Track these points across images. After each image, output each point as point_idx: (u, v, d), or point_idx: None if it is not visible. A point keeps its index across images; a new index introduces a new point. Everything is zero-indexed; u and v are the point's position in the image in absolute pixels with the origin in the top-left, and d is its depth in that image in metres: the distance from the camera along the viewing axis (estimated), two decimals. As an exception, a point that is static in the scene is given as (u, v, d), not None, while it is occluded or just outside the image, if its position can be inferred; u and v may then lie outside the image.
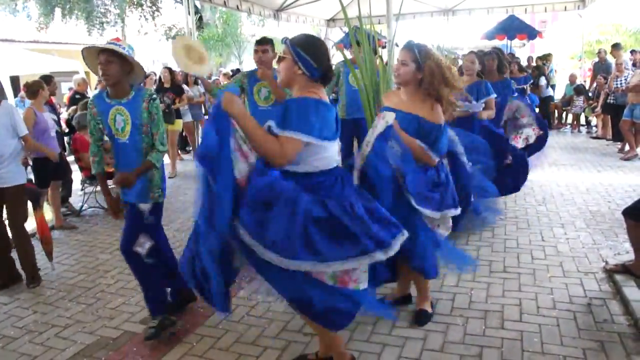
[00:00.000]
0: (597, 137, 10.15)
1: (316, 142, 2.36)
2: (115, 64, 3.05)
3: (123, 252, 3.29)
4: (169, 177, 7.88)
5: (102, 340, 3.30)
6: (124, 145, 3.17)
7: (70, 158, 8.00)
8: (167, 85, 8.39)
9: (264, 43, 4.35)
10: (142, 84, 3.45)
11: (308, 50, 2.44)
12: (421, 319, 3.31)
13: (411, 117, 2.98)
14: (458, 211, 3.12)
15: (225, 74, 11.91)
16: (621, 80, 8.91)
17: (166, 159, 8.05)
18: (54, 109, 6.26)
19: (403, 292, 3.56)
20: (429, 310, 3.37)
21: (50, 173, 5.47)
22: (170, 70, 8.64)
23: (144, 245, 3.25)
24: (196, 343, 3.21)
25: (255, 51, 4.35)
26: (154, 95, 3.19)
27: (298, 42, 2.46)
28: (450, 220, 3.16)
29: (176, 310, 3.55)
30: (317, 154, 2.41)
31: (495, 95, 4.97)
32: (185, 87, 9.56)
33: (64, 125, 7.50)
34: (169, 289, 3.58)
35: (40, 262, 4.73)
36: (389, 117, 2.79)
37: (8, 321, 3.63)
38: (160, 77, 8.84)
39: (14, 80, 13.32)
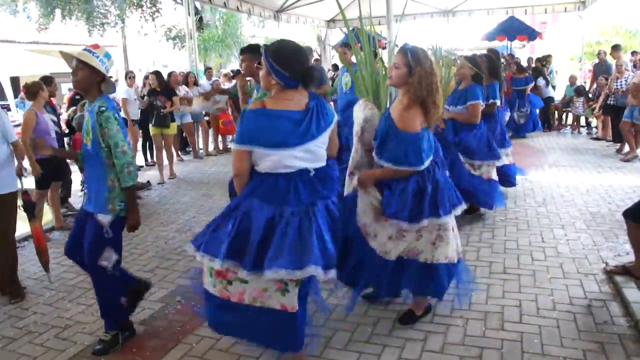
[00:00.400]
0: (597, 139, 10.15)
1: (257, 150, 2.46)
2: (83, 71, 3.01)
3: (87, 265, 3.15)
4: (168, 179, 7.89)
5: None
6: (87, 152, 3.09)
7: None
8: (157, 88, 8.15)
9: (242, 52, 4.37)
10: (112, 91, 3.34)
11: (280, 61, 2.48)
12: (405, 318, 3.33)
13: (387, 114, 3.04)
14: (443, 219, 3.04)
15: (225, 75, 11.92)
16: (621, 82, 8.91)
17: (165, 161, 8.08)
18: (54, 110, 6.25)
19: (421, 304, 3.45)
20: (418, 313, 3.35)
21: (50, 174, 5.46)
22: (157, 74, 8.39)
23: (109, 259, 3.07)
24: (196, 344, 3.20)
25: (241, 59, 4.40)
26: (102, 108, 2.98)
27: (271, 53, 2.50)
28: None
29: (134, 305, 3.40)
30: (261, 159, 2.50)
31: (479, 101, 4.93)
32: (185, 88, 9.57)
33: (64, 126, 7.49)
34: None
35: (38, 266, 4.74)
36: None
37: (8, 322, 3.63)
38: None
39: (14, 81, 13.35)
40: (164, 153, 8.19)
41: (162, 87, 8.20)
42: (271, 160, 2.47)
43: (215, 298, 2.62)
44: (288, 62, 2.48)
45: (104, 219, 3.04)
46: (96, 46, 3.14)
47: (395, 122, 2.94)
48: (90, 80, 3.04)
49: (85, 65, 3.01)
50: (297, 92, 2.54)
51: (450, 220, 3.07)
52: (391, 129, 2.95)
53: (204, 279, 2.67)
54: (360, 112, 3.16)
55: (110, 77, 3.19)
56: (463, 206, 3.21)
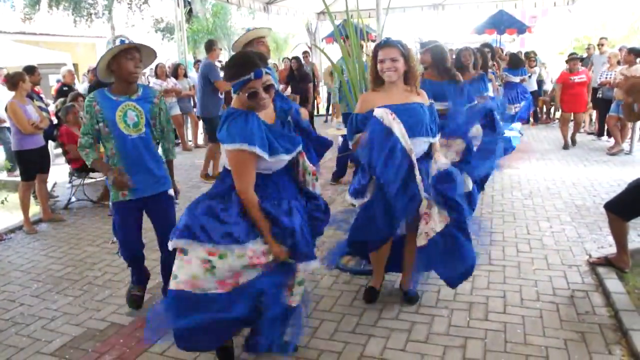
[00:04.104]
0: (590, 133, 10.19)
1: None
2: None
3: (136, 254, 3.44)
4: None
5: (89, 332, 3.30)
6: (134, 141, 3.13)
7: (58, 151, 7.98)
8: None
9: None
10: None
11: (234, 75, 2.44)
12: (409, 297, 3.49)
13: (417, 105, 3.11)
14: None
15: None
16: (609, 74, 8.87)
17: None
18: (41, 99, 6.20)
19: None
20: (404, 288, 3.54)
21: (35, 166, 5.43)
22: None
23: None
24: (183, 335, 3.21)
25: None
26: (159, 93, 3.35)
27: (227, 77, 2.51)
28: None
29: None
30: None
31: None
32: (173, 79, 9.52)
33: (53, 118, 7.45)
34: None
35: (27, 254, 4.73)
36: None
37: (-6, 313, 3.62)
38: None
39: (-1, 72, 13.15)
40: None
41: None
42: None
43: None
44: (234, 72, 2.44)
45: (171, 192, 3.38)
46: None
47: (424, 102, 3.17)
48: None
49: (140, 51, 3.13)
50: None
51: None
52: (427, 109, 3.16)
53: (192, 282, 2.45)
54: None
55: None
56: None
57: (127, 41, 3.06)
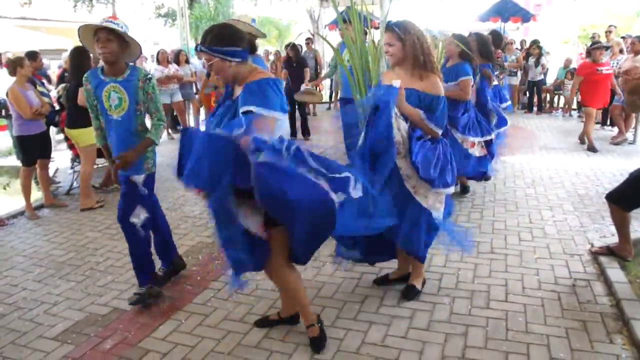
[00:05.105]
0: (596, 123, 10.09)
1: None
2: (114, 42, 3.09)
3: (120, 222, 3.38)
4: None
5: (91, 317, 3.32)
6: (117, 122, 3.23)
7: (60, 136, 7.96)
8: None
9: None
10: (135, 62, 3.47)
11: (225, 41, 2.50)
12: (408, 292, 3.39)
13: (409, 91, 3.04)
14: (451, 190, 3.20)
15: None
16: (612, 63, 8.80)
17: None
18: (43, 85, 6.18)
19: (404, 270, 3.58)
20: (419, 287, 3.42)
21: (36, 151, 5.42)
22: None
23: (139, 216, 3.33)
24: (185, 320, 3.23)
25: None
26: (149, 75, 3.26)
27: (212, 41, 2.50)
28: (444, 198, 3.23)
29: (168, 278, 3.74)
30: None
31: (469, 77, 4.87)
32: (175, 66, 9.48)
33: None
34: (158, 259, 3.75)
35: (29, 239, 4.74)
36: (396, 83, 2.93)
37: (-3, 298, 3.64)
38: None
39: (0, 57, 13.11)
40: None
41: None
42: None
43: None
44: (231, 38, 2.51)
45: (138, 178, 3.32)
46: (115, 17, 3.22)
47: (426, 91, 3.04)
48: (120, 49, 3.14)
49: (113, 34, 3.07)
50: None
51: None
52: (422, 96, 3.04)
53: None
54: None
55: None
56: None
57: (102, 22, 3.08)
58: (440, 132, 3.10)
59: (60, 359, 2.89)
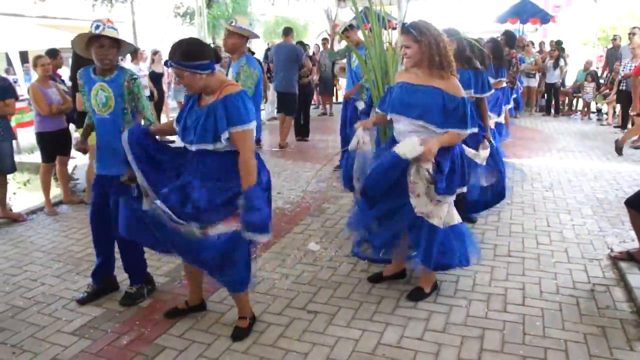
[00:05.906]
0: (617, 127, 9.96)
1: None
2: (114, 48, 3.20)
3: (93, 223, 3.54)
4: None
5: (109, 313, 3.35)
6: (104, 121, 3.30)
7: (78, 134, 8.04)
8: None
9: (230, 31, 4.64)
10: (121, 60, 3.60)
11: (194, 56, 2.61)
12: (414, 295, 3.39)
13: (432, 89, 3.02)
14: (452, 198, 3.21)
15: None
16: (632, 65, 8.67)
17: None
18: (63, 82, 6.26)
19: (397, 268, 3.62)
20: (427, 290, 3.40)
21: (55, 148, 5.50)
22: None
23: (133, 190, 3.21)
24: (201, 318, 3.25)
25: None
26: (135, 76, 3.31)
27: (182, 57, 2.60)
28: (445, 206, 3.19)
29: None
30: None
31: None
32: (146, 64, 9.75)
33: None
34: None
35: (48, 235, 4.80)
36: (418, 149, 2.95)
37: (17, 292, 3.68)
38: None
39: (23, 56, 13.32)
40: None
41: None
42: None
43: None
44: (198, 51, 2.64)
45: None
46: (109, 21, 3.26)
47: (447, 90, 3.00)
48: (113, 53, 3.22)
49: (114, 40, 3.17)
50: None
51: None
52: (447, 98, 2.99)
53: None
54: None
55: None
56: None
57: (101, 26, 3.12)
58: (467, 132, 3.09)
59: (78, 354, 2.92)
